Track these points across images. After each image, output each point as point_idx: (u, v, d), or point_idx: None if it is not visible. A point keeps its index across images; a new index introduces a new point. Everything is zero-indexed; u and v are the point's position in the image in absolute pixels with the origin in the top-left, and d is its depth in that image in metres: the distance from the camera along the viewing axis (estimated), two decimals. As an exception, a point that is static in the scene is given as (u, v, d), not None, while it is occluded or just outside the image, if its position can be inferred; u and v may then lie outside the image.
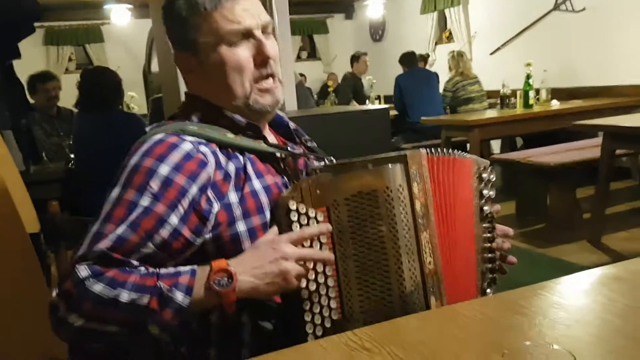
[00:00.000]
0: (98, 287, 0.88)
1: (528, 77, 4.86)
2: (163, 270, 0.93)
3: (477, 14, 7.08)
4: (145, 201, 0.94)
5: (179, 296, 0.90)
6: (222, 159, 1.03)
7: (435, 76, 6.01)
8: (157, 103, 4.78)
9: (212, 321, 0.99)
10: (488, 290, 1.15)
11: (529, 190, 4.21)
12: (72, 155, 3.58)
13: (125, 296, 0.88)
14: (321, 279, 0.99)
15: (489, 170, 1.17)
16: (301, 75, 8.10)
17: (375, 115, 3.21)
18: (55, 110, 4.41)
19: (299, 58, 9.94)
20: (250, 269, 0.94)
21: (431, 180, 1.06)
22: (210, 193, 0.99)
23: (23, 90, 3.55)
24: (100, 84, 3.23)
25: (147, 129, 1.08)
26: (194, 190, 0.97)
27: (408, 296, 0.98)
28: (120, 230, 0.92)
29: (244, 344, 1.00)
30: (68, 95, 4.81)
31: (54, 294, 0.91)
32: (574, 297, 0.94)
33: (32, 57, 7.56)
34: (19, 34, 3.06)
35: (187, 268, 0.94)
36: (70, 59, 8.54)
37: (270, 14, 2.97)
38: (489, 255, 1.15)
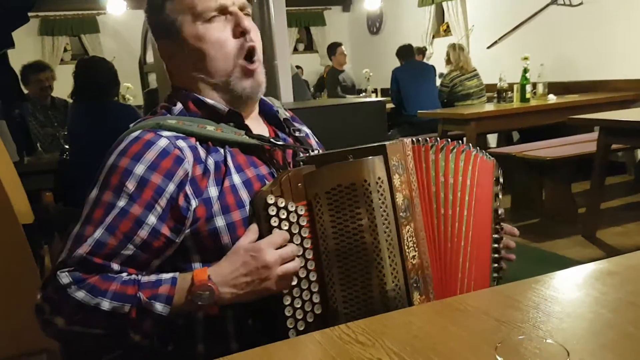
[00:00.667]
0: (80, 295, 0.89)
1: (525, 71, 4.86)
2: (144, 279, 0.93)
3: (474, 7, 7.06)
4: (121, 202, 0.94)
5: (159, 307, 0.90)
6: (202, 152, 1.02)
7: (432, 69, 6.00)
8: (152, 95, 4.75)
9: (197, 316, 0.99)
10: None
11: (524, 184, 4.21)
12: (66, 146, 3.57)
13: (106, 305, 0.89)
14: (303, 274, 0.98)
15: (500, 172, 1.19)
16: (298, 67, 8.08)
17: (371, 108, 3.20)
18: (49, 101, 4.39)
19: (295, 50, 9.91)
20: (231, 279, 0.94)
21: (426, 170, 1.03)
22: (188, 189, 0.97)
23: (17, 80, 3.52)
24: (96, 74, 3.21)
25: (132, 124, 1.07)
26: (171, 188, 0.96)
27: (388, 291, 0.95)
28: (98, 233, 0.92)
29: (231, 337, 1.00)
30: (63, 86, 4.79)
31: (38, 297, 0.92)
32: (568, 291, 0.94)
33: (27, 47, 7.53)
34: (13, 23, 3.03)
35: (169, 276, 0.94)
36: (65, 50, 8.49)
37: (267, 5, 2.96)
38: (496, 255, 1.16)
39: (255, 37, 1.09)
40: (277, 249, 0.95)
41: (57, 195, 2.89)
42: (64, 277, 0.90)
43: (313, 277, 0.99)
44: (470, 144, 1.11)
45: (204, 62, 1.06)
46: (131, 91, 6.14)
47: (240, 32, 1.06)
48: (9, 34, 3.01)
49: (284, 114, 1.23)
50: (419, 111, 5.21)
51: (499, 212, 1.17)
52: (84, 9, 8.37)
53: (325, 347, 0.80)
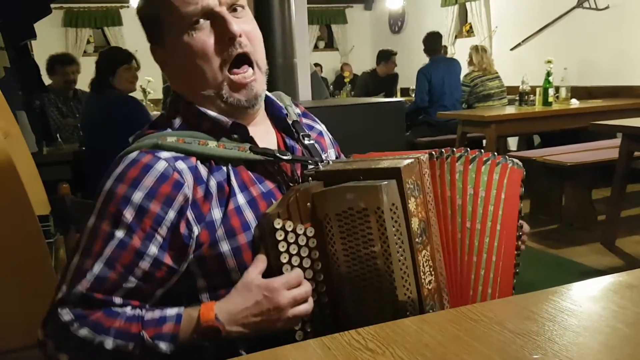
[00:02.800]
0: (82, 332, 0.87)
1: (548, 74, 4.80)
2: (148, 315, 0.90)
3: (498, 8, 6.99)
4: (120, 233, 0.89)
5: (163, 346, 0.88)
6: (204, 172, 0.96)
7: (457, 65, 5.73)
8: (170, 90, 4.78)
9: None
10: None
11: (544, 189, 4.16)
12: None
13: (109, 343, 0.87)
14: (314, 297, 0.95)
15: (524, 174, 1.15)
16: (317, 65, 8.07)
17: (390, 108, 3.19)
18: (72, 92, 4.44)
19: (316, 47, 9.90)
20: (240, 318, 0.91)
21: (452, 184, 0.98)
22: (190, 215, 0.92)
23: (38, 71, 3.57)
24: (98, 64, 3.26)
25: (131, 138, 1.02)
26: (171, 215, 0.91)
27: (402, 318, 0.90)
28: (97, 268, 0.88)
29: (240, 353, 0.96)
30: (86, 78, 4.84)
31: (40, 333, 0.90)
32: (585, 303, 0.91)
33: (50, 39, 7.62)
34: (35, 15, 3.06)
35: (173, 312, 0.91)
36: (88, 42, 8.58)
37: (288, 3, 2.95)
38: (518, 252, 1.15)
39: (249, 40, 0.99)
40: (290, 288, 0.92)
41: (75, 186, 2.91)
42: (66, 315, 0.87)
43: (325, 299, 0.96)
44: (496, 153, 1.06)
45: (192, 74, 0.99)
46: (152, 84, 6.18)
47: (228, 39, 0.96)
48: (31, 26, 3.04)
49: (293, 113, 1.17)
50: (438, 112, 5.16)
51: (521, 212, 1.15)
52: (107, 1, 8.45)
53: (334, 352, 0.79)
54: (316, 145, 1.14)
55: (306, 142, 1.12)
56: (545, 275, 3.04)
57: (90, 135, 3.42)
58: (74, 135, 4.14)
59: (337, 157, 1.27)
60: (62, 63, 4.34)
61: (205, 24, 0.96)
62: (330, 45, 10.22)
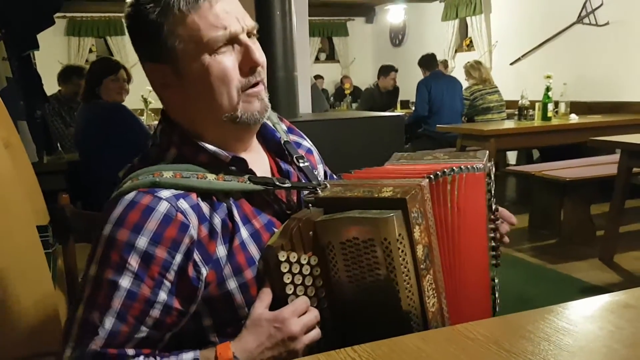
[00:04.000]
0: None
1: (547, 89, 4.82)
2: None
3: (498, 23, 7.03)
4: (126, 282, 0.85)
5: None
6: (206, 210, 0.92)
7: (458, 83, 5.82)
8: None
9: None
10: (496, 281, 1.15)
11: (543, 204, 4.16)
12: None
13: None
14: (320, 324, 0.95)
15: (491, 163, 1.14)
16: (317, 77, 8.09)
17: (388, 121, 3.19)
18: (76, 102, 4.47)
19: (317, 59, 9.95)
20: (257, 355, 0.89)
21: (437, 206, 0.98)
22: (196, 256, 0.89)
23: (40, 81, 3.58)
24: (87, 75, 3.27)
25: (121, 172, 0.98)
26: (178, 259, 0.87)
27: None
28: (109, 323, 0.85)
29: None
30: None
31: None
32: (582, 323, 0.91)
33: (53, 47, 7.65)
34: (39, 26, 3.08)
35: (190, 357, 0.88)
36: (91, 50, 8.61)
37: (289, 16, 2.96)
38: (494, 244, 1.15)
39: (261, 59, 0.98)
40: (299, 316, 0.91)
41: (73, 197, 2.92)
42: None
43: (330, 326, 0.96)
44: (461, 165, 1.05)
45: (207, 98, 0.94)
46: (153, 94, 6.18)
47: (249, 68, 0.95)
48: (34, 36, 3.06)
49: (282, 132, 1.14)
50: (437, 125, 5.18)
51: (493, 207, 1.14)
52: (110, 11, 8.47)
53: (330, 369, 0.79)
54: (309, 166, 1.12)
55: (300, 164, 1.09)
56: (544, 290, 3.03)
57: (82, 146, 3.42)
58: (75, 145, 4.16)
59: (325, 173, 1.27)
60: (80, 75, 4.37)
61: (228, 49, 0.94)
62: (331, 57, 10.27)
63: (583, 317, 0.94)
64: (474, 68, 5.61)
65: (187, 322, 0.93)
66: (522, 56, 6.55)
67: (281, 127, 1.16)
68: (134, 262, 0.86)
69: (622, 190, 3.37)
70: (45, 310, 1.63)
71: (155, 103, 6.19)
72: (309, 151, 1.22)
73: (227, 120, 0.97)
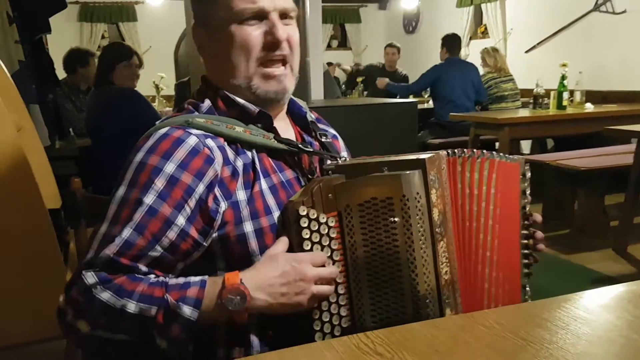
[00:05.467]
0: (105, 295, 0.86)
1: (563, 77, 4.75)
2: (172, 281, 0.90)
3: (514, 10, 6.94)
4: (149, 199, 0.91)
5: (187, 310, 0.86)
6: (230, 154, 0.99)
7: (474, 69, 5.59)
8: (182, 87, 4.78)
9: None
10: (527, 288, 1.15)
11: (556, 194, 4.12)
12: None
13: (132, 307, 0.86)
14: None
15: (527, 167, 1.15)
16: (329, 64, 8.05)
17: (402, 109, 3.16)
18: (86, 87, 4.48)
19: (329, 47, 9.89)
20: (266, 286, 0.90)
21: (454, 183, 1.00)
22: (217, 191, 0.94)
23: (52, 66, 3.58)
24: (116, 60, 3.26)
25: (158, 122, 1.04)
26: (200, 189, 0.93)
27: (422, 308, 0.93)
28: (126, 233, 0.89)
29: (253, 346, 0.97)
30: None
31: (61, 299, 0.89)
32: (599, 312, 0.90)
33: (65, 33, 7.67)
34: (51, 9, 3.08)
35: (197, 279, 0.90)
36: (103, 37, 8.60)
37: (302, 2, 2.94)
38: (526, 251, 1.14)
39: (290, 45, 1.04)
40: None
41: (85, 181, 2.93)
42: (90, 277, 0.87)
43: (341, 290, 0.97)
44: (494, 152, 1.07)
45: (225, 62, 1.03)
46: (165, 81, 6.19)
47: (271, 43, 1.02)
48: (46, 20, 3.05)
49: (310, 116, 1.20)
50: (450, 114, 5.12)
51: (527, 208, 1.15)
52: (123, -3, 8.50)
53: (342, 355, 0.78)
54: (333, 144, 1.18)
55: (323, 140, 1.16)
56: (556, 281, 3.00)
57: (93, 132, 3.42)
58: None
59: None
60: (83, 62, 4.39)
61: (254, 22, 1.01)
62: (343, 44, 10.20)
63: (600, 306, 0.92)
64: (489, 55, 5.52)
65: (201, 263, 0.95)
66: (538, 44, 6.46)
67: (309, 114, 1.20)
68: (159, 182, 0.91)
69: (637, 180, 3.33)
70: (57, 294, 1.63)
71: (167, 90, 6.20)
72: (335, 137, 1.27)
73: (245, 87, 1.04)
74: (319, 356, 0.78)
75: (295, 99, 1.18)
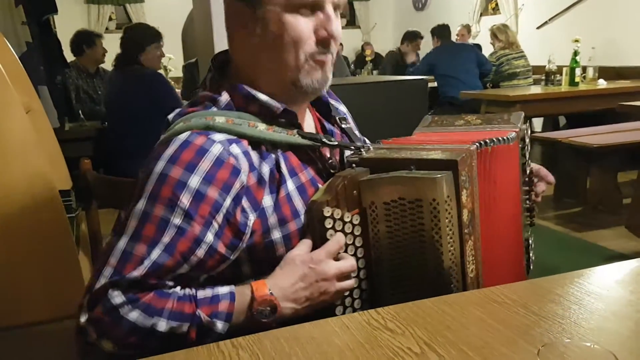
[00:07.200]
0: (134, 315, 0.83)
1: (575, 53, 4.68)
2: (200, 293, 0.87)
3: (525, -14, 6.82)
4: (177, 219, 0.86)
5: (220, 325, 0.85)
6: (255, 158, 0.93)
7: (470, 48, 5.62)
8: (191, 69, 4.75)
9: None
10: (530, 241, 1.16)
11: (569, 171, 4.08)
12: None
13: (163, 325, 0.83)
14: (355, 283, 0.95)
15: (526, 126, 1.13)
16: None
17: (412, 86, 3.13)
18: (95, 69, 4.48)
19: (338, 25, 9.78)
20: (290, 293, 0.89)
21: (483, 178, 0.97)
22: (245, 203, 0.90)
23: (60, 47, 3.57)
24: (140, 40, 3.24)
25: (171, 116, 0.98)
26: (227, 202, 0.88)
27: None
28: (155, 254, 0.85)
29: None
30: (108, 55, 4.86)
31: (83, 319, 0.84)
32: (613, 287, 0.88)
33: (73, 15, 7.65)
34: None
35: (226, 290, 0.88)
36: (110, 18, 8.59)
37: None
38: (528, 205, 1.15)
39: (337, 32, 0.97)
40: (334, 258, 0.92)
41: (96, 163, 2.94)
42: (117, 297, 0.83)
43: (365, 286, 0.96)
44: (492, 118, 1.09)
45: (275, 52, 0.95)
46: (173, 62, 6.16)
47: (323, 38, 0.95)
48: (52, 0, 3.04)
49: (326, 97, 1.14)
50: (461, 92, 5.06)
51: (526, 169, 1.14)
52: (130, -22, 8.44)
53: (353, 331, 0.77)
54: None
55: (343, 125, 1.12)
56: (569, 258, 2.99)
57: (114, 113, 3.40)
58: (95, 112, 4.16)
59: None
60: (89, 43, 4.38)
61: (308, 12, 0.94)
62: (351, 23, 10.09)
63: (614, 281, 0.91)
64: (500, 31, 5.44)
65: (226, 268, 0.93)
66: (549, 20, 6.36)
67: (331, 101, 1.16)
68: (185, 200, 0.86)
69: (651, 156, 3.29)
70: (68, 274, 1.65)
71: (176, 71, 6.17)
72: (345, 116, 1.22)
73: (290, 79, 0.97)
74: (331, 332, 0.78)
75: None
